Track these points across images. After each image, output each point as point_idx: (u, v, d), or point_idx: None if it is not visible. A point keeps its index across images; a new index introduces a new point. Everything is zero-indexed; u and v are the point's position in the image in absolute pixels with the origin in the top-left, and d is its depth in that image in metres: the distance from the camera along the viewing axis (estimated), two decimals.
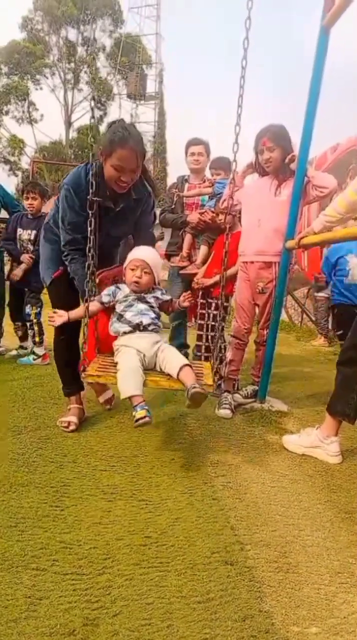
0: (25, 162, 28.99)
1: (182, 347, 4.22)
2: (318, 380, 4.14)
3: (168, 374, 2.13)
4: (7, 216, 4.33)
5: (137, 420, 1.91)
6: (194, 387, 1.96)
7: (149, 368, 2.20)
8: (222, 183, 3.53)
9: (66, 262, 2.39)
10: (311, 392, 3.66)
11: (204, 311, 3.60)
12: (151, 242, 2.59)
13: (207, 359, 3.56)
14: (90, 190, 2.12)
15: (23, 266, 3.92)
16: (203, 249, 3.82)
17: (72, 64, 30.41)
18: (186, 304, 2.40)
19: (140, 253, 2.32)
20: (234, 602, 1.34)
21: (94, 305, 2.25)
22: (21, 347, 4.28)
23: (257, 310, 3.20)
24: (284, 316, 8.46)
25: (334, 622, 1.30)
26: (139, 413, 1.92)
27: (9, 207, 4.28)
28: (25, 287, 4.06)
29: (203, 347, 3.61)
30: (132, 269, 2.29)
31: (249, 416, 3.02)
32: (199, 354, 3.62)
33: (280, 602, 1.36)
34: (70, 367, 2.55)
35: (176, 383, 2.08)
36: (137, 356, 2.14)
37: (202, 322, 3.61)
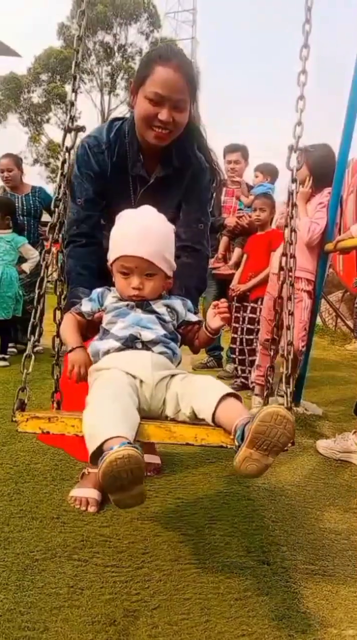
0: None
1: (216, 349, 4.26)
2: (353, 384, 4.09)
3: (194, 418, 1.19)
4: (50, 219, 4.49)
5: (103, 458, 0.95)
6: (262, 410, 1.01)
7: (152, 414, 1.25)
8: (264, 186, 3.55)
9: (63, 252, 1.72)
10: (346, 396, 3.62)
11: (238, 314, 3.62)
12: (197, 236, 1.80)
13: (241, 362, 3.59)
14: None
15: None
16: (237, 251, 3.86)
17: (109, 67, 30.82)
18: (218, 323, 1.40)
19: (134, 246, 1.34)
20: (271, 601, 1.36)
21: (69, 321, 1.46)
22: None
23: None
24: (317, 320, 8.37)
25: None
26: (117, 449, 0.95)
27: (50, 210, 4.42)
28: None
29: (237, 349, 3.63)
30: (123, 274, 1.38)
31: None
32: (233, 356, 3.65)
33: (317, 604, 1.37)
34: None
35: (212, 433, 1.12)
36: (127, 379, 1.22)
37: (237, 325, 3.63)
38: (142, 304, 1.38)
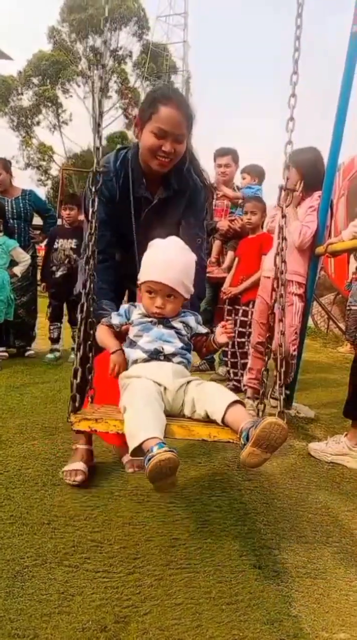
0: (55, 170, 29.58)
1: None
2: (345, 387, 4.09)
3: (207, 418, 1.45)
4: (41, 222, 4.49)
5: (149, 459, 1.23)
6: (265, 419, 1.28)
7: (174, 413, 1.51)
8: (252, 189, 3.56)
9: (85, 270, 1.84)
10: (338, 398, 3.62)
11: (230, 317, 3.63)
12: (196, 250, 1.86)
13: (233, 365, 3.59)
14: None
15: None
16: (230, 255, 3.87)
17: (100, 71, 30.88)
18: (224, 339, 1.65)
19: (159, 273, 1.59)
20: (263, 605, 1.35)
21: (102, 331, 1.66)
22: (55, 349, 4.41)
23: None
24: (310, 322, 8.41)
25: None
26: (158, 451, 1.24)
27: (41, 212, 4.41)
28: (71, 296, 4.33)
29: (229, 353, 3.63)
30: (149, 293, 1.62)
31: None
32: (225, 359, 3.66)
33: (308, 608, 1.37)
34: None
35: (222, 432, 1.40)
36: (155, 387, 1.48)
37: None
38: (163, 320, 1.63)
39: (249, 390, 3.21)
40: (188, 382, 1.54)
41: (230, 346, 3.61)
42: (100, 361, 1.67)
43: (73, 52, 30.46)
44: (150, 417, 1.36)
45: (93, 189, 1.55)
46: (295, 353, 3.07)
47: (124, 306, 1.73)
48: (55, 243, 4.36)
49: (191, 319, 1.69)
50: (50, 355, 4.33)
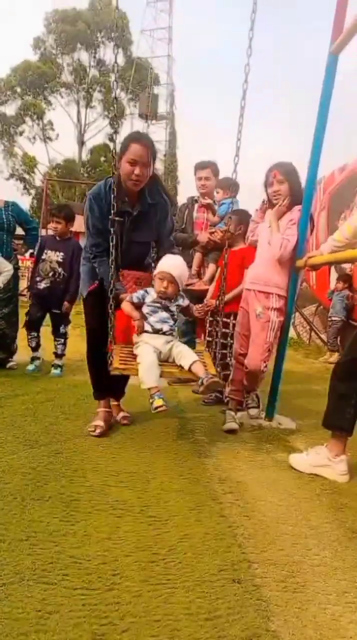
0: (38, 180, 29.48)
1: None
2: (326, 397, 4.13)
3: (180, 366, 2.52)
4: (23, 233, 4.45)
5: (156, 408, 2.31)
6: (211, 378, 2.41)
7: (164, 360, 2.57)
8: (225, 204, 3.60)
9: (94, 265, 2.68)
10: (320, 409, 3.63)
11: (211, 328, 3.64)
12: (172, 247, 2.87)
13: None
14: (112, 208, 2.40)
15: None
16: (211, 267, 3.90)
17: (85, 85, 31.01)
18: (196, 314, 3.01)
19: (168, 266, 2.57)
20: (241, 620, 1.35)
21: (127, 305, 2.60)
22: (35, 357, 4.34)
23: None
24: (292, 333, 8.48)
25: None
26: (157, 402, 2.32)
27: (24, 224, 4.37)
28: (54, 309, 4.31)
29: None
30: (160, 279, 2.58)
31: (257, 434, 3.04)
32: None
33: (287, 622, 1.37)
34: (101, 372, 2.74)
35: (188, 374, 2.51)
36: (155, 352, 2.50)
37: (210, 339, 3.65)
38: (165, 306, 2.62)
39: (231, 402, 3.22)
40: (172, 346, 2.58)
41: (212, 358, 3.61)
42: (119, 316, 2.61)
43: (58, 64, 30.51)
44: (153, 371, 2.41)
45: (112, 230, 2.41)
46: (265, 369, 3.09)
47: (140, 292, 2.63)
48: (44, 254, 4.28)
49: (181, 300, 2.68)
50: (30, 367, 4.27)
